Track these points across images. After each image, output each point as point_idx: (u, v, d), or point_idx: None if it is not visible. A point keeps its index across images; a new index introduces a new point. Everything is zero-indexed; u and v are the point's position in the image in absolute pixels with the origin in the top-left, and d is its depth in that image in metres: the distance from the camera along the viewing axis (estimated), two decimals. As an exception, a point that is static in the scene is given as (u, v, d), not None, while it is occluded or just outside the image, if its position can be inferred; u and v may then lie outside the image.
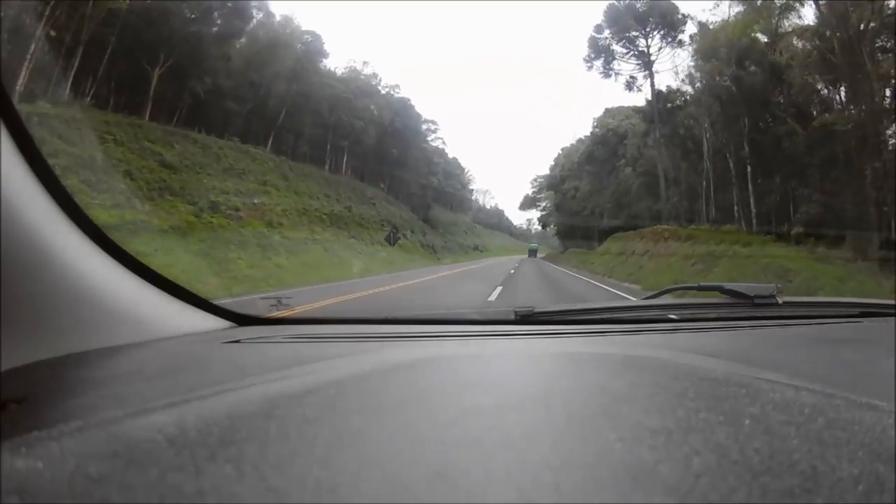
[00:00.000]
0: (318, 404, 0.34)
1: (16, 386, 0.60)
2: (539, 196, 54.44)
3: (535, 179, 54.69)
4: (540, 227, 59.47)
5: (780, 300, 1.07)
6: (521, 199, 62.55)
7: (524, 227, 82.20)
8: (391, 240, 20.99)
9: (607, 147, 33.42)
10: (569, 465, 0.25)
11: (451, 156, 52.18)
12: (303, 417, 0.32)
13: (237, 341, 0.86)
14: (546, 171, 53.71)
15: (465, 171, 63.89)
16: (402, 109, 37.00)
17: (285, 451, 0.26)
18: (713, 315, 1.08)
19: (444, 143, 53.70)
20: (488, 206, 76.85)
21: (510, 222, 79.87)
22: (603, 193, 33.01)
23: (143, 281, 0.86)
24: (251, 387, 0.41)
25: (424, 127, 42.78)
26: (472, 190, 69.05)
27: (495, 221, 72.84)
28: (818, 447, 0.27)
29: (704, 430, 0.29)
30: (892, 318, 1.04)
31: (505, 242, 64.06)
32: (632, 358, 0.56)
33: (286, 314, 1.31)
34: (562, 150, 43.24)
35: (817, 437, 0.29)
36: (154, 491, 0.23)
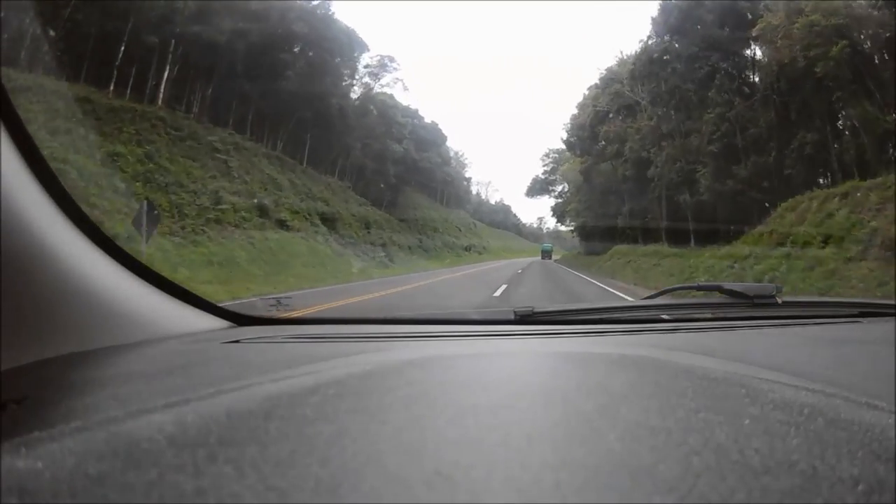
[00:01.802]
0: (318, 404, 0.34)
1: (16, 386, 0.60)
2: (552, 178, 39.44)
3: (546, 155, 40.23)
4: (555, 223, 45.03)
5: (779, 300, 1.07)
6: (528, 184, 46.30)
7: (534, 225, 70.84)
8: (140, 226, 7.91)
9: (704, 30, 16.03)
10: (568, 464, 0.25)
11: (427, 119, 37.44)
12: (303, 417, 0.32)
13: (237, 341, 0.86)
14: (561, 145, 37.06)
15: (459, 154, 50.22)
16: (306, 12, 21.69)
17: (285, 451, 0.27)
18: (713, 315, 1.08)
19: (405, 86, 39.44)
20: (492, 201, 65.43)
21: (518, 219, 69.69)
22: (697, 128, 16.01)
23: (143, 281, 0.86)
24: (251, 387, 0.41)
25: (373, 59, 27.31)
26: (470, 179, 56.56)
27: (500, 218, 62.82)
28: (818, 447, 0.27)
29: (704, 429, 0.29)
30: (892, 318, 1.04)
31: (511, 243, 53.69)
32: (631, 358, 0.56)
33: (286, 314, 1.31)
34: (588, 89, 26.85)
35: (817, 437, 0.29)
36: (154, 491, 0.23)
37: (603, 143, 23.77)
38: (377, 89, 28.94)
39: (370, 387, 0.42)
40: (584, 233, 29.11)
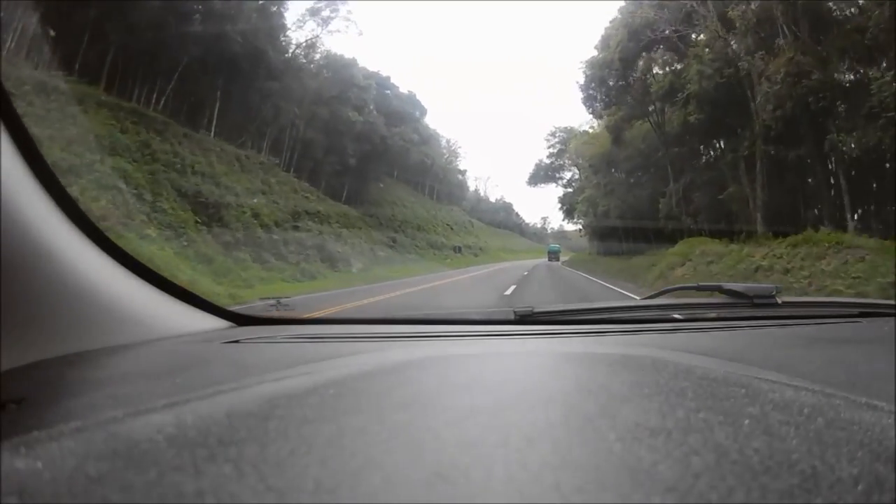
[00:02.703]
0: (317, 404, 0.35)
1: (16, 386, 0.60)
2: (559, 163, 32.00)
3: (552, 134, 32.17)
4: (561, 220, 38.07)
5: (779, 300, 1.07)
6: (531, 170, 36.66)
7: (538, 224, 65.69)
8: None
9: None
10: (568, 465, 0.25)
11: (403, 89, 30.92)
12: (302, 417, 0.32)
13: (237, 341, 0.86)
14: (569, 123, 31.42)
15: (451, 142, 43.91)
16: None
17: (285, 451, 0.27)
18: (712, 315, 1.08)
19: (358, 29, 31.01)
20: (492, 199, 59.67)
21: (520, 218, 65.15)
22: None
23: (144, 281, 0.86)
24: (251, 387, 0.41)
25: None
26: (465, 172, 49.96)
27: (501, 217, 57.62)
28: (818, 447, 0.27)
29: (703, 429, 0.29)
30: (892, 318, 1.04)
31: (512, 243, 48.62)
32: (631, 358, 0.56)
33: (285, 314, 1.31)
34: (611, 22, 17.90)
35: (817, 437, 0.29)
36: (154, 491, 0.23)
37: (644, 81, 15.76)
38: (326, 37, 21.09)
39: (369, 387, 0.42)
40: (600, 231, 21.96)
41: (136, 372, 0.66)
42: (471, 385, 0.44)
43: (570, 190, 29.96)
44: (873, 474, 0.24)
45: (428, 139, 37.11)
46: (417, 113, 34.29)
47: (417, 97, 34.98)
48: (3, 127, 0.64)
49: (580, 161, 26.61)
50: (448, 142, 47.06)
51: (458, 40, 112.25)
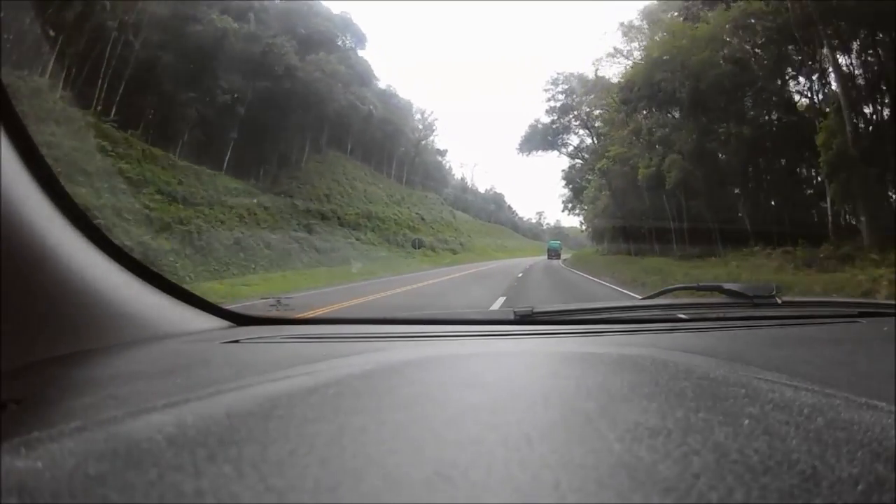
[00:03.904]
0: (317, 404, 0.35)
1: (16, 386, 0.60)
2: (565, 120, 21.86)
3: (553, 82, 22.20)
4: (563, 210, 29.73)
5: (779, 300, 1.07)
6: (524, 133, 26.15)
7: (533, 219, 59.80)
8: None
9: None
10: (568, 464, 0.25)
11: (336, 10, 21.77)
12: (302, 417, 0.32)
13: (236, 341, 0.86)
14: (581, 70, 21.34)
15: (426, 113, 33.97)
16: None
17: (285, 451, 0.27)
18: (712, 315, 1.08)
19: None
20: (481, 189, 51.78)
21: (513, 212, 58.46)
22: None
23: (143, 281, 0.87)
24: (250, 387, 0.41)
25: None
26: (445, 152, 40.06)
27: (491, 210, 50.76)
28: (818, 447, 0.27)
29: (703, 429, 0.29)
30: (892, 318, 1.04)
31: (504, 240, 43.03)
32: (630, 357, 0.56)
33: (285, 314, 1.31)
34: None
35: (817, 437, 0.29)
36: (154, 491, 0.23)
37: None
38: None
39: (369, 387, 0.42)
40: (617, 236, 14.19)
41: (136, 372, 0.66)
42: (470, 385, 0.44)
43: (578, 162, 21.62)
44: (873, 474, 0.24)
45: (367, 78, 24.55)
46: (350, 41, 22.18)
47: (352, 20, 22.37)
48: (2, 127, 0.64)
49: (595, 121, 18.52)
50: (423, 114, 36.93)
51: (452, 24, 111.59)
